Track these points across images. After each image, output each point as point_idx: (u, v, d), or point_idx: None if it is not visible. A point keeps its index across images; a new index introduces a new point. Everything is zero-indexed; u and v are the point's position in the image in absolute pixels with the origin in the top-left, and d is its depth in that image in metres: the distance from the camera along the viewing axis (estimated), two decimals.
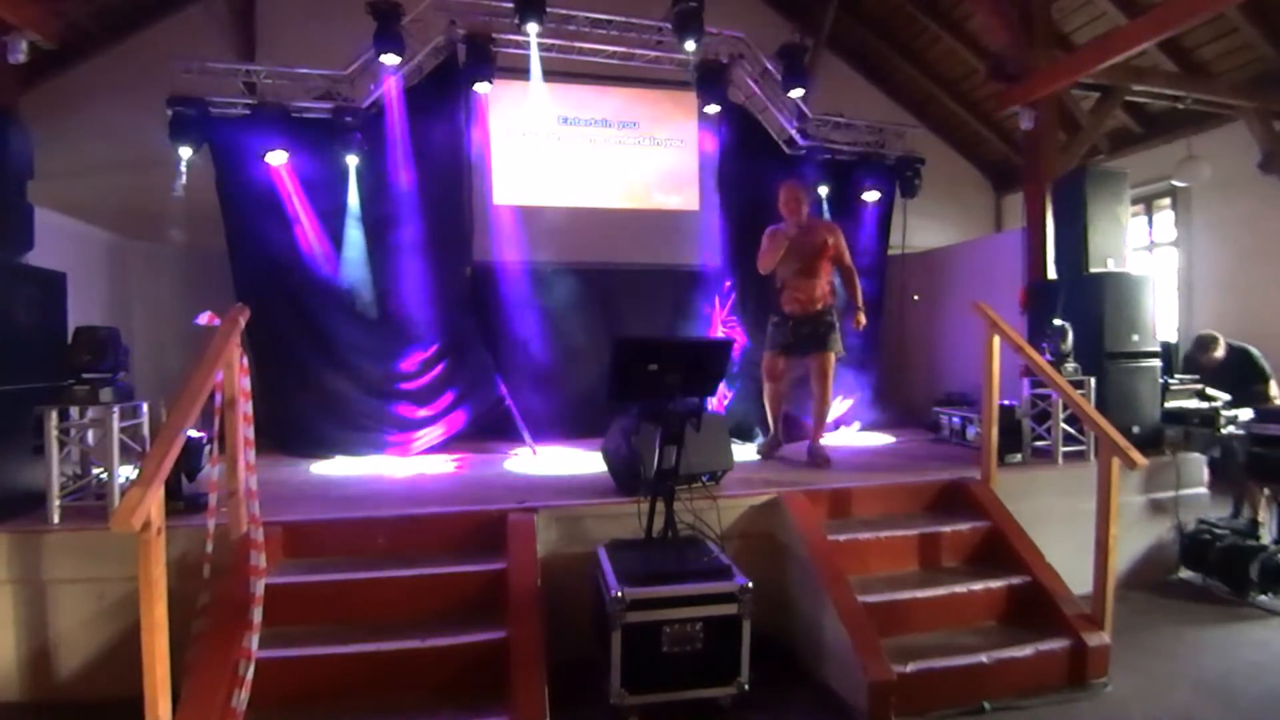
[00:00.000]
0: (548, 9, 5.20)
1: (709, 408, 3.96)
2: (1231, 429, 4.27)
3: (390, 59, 5.06)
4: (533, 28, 5.24)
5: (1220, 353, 5.07)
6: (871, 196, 6.50)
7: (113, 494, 3.07)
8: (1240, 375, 4.91)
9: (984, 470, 3.81)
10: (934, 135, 8.61)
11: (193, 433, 3.31)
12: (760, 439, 5.47)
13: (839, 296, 4.85)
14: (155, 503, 2.07)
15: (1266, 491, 4.19)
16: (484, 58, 5.30)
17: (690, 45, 5.52)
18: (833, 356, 4.57)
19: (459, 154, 5.75)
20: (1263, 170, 5.96)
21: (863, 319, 4.62)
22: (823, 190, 6.40)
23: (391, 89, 5.29)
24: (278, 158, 5.07)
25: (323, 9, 6.44)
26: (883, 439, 5.90)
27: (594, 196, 6.22)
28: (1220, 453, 4.42)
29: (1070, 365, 4.41)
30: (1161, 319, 5.15)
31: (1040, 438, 4.46)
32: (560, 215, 6.02)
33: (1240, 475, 4.24)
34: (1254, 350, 5.06)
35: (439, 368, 5.46)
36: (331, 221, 5.28)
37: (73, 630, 2.92)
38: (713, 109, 5.90)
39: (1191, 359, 5.22)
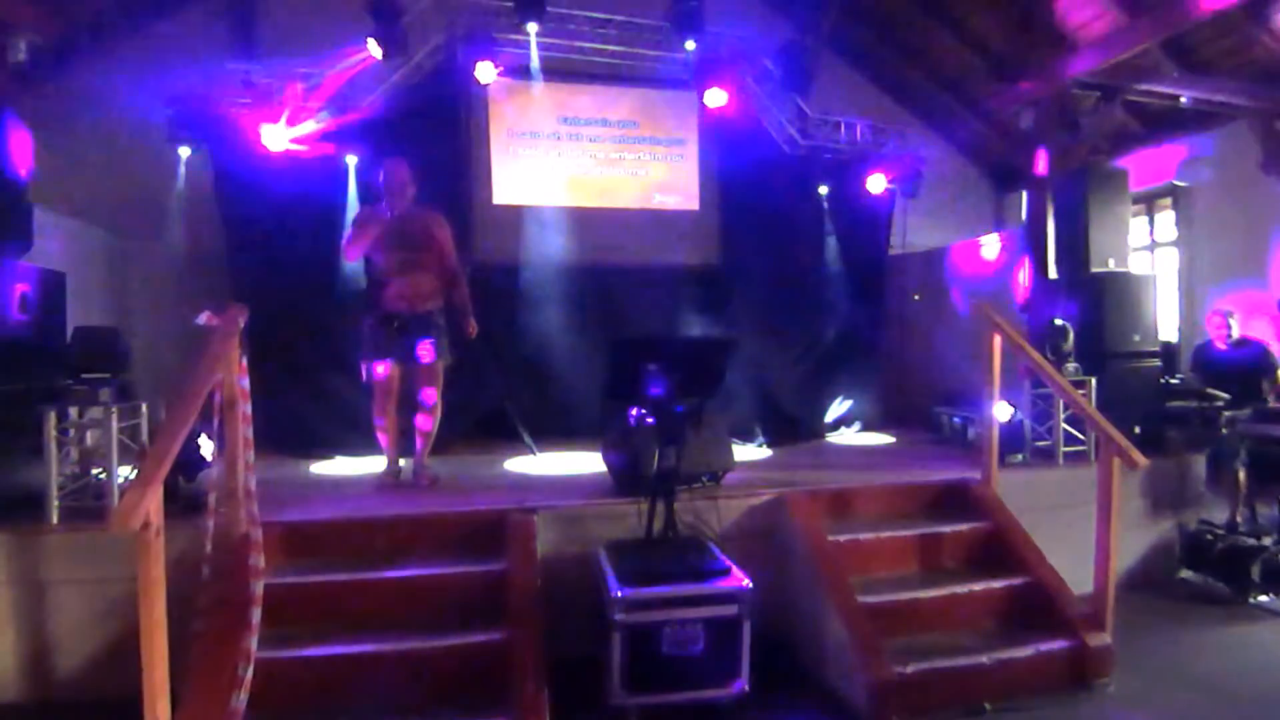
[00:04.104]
0: (547, 8, 5.19)
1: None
2: (1227, 428, 4.25)
3: (384, 56, 5.05)
4: (533, 27, 5.23)
5: (1236, 331, 4.88)
6: (872, 194, 6.49)
7: (112, 494, 3.07)
8: (1255, 368, 4.79)
9: (985, 470, 3.80)
10: (934, 135, 8.60)
11: (205, 448, 3.30)
12: (760, 439, 5.44)
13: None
14: (154, 503, 2.07)
15: (1245, 490, 4.17)
16: (486, 52, 5.28)
17: (690, 45, 5.51)
18: (439, 365, 4.09)
19: (459, 153, 5.74)
20: (1263, 170, 5.96)
21: (472, 326, 4.17)
22: (823, 190, 6.39)
23: (391, 88, 5.27)
24: (276, 145, 5.00)
25: (322, 8, 6.42)
26: (883, 439, 5.89)
27: (594, 196, 6.20)
28: (1212, 452, 4.40)
29: (1071, 365, 4.40)
30: (1162, 319, 5.14)
31: (1041, 438, 4.45)
32: (560, 215, 6.00)
33: (1230, 471, 4.21)
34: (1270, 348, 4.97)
35: None
36: (331, 220, 5.26)
37: (72, 630, 2.92)
38: (713, 105, 5.88)
39: (1198, 353, 5.13)
